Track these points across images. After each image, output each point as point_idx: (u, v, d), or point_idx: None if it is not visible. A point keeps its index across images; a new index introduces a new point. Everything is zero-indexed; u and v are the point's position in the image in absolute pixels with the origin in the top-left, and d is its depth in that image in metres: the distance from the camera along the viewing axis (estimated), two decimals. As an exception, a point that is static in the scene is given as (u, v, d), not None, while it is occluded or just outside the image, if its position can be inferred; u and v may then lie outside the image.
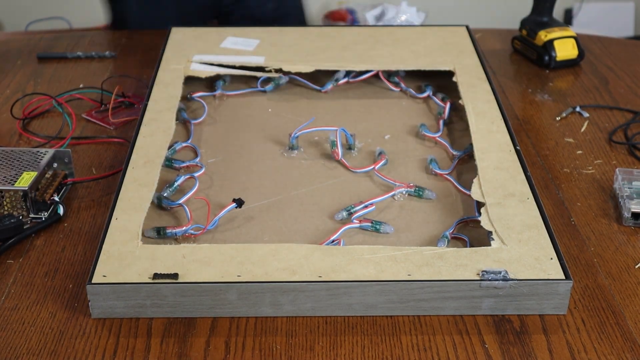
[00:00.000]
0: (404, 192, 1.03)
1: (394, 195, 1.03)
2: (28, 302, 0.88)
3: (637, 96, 1.33)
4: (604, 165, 1.14)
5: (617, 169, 1.07)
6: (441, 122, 1.19)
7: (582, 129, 1.23)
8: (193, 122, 1.19)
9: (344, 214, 0.99)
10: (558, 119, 1.26)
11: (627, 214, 1.00)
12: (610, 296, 0.90)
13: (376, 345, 0.83)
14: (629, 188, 1.03)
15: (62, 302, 0.88)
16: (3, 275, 0.92)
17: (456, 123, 1.21)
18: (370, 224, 0.97)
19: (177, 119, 1.17)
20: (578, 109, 1.28)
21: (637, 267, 0.94)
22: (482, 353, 0.82)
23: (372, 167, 1.08)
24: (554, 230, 1.00)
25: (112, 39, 1.55)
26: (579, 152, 1.17)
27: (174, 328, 0.85)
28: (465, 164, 1.10)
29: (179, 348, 0.82)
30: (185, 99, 1.24)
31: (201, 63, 1.29)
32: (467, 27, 1.43)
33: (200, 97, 1.26)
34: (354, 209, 0.99)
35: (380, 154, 1.11)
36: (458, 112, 1.22)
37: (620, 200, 1.04)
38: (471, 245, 0.94)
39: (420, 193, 1.03)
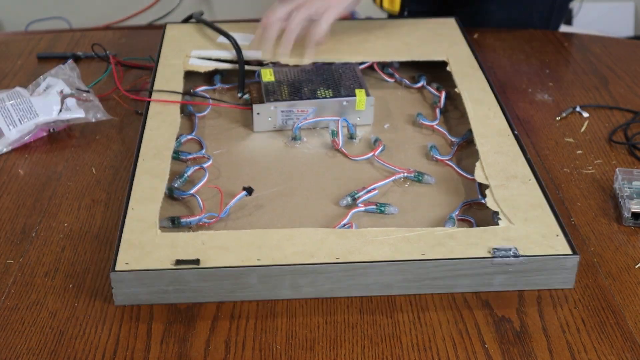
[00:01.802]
0: (404, 177, 1.06)
1: (394, 180, 1.05)
2: (28, 302, 0.88)
3: (637, 96, 1.33)
4: (604, 165, 1.14)
5: (617, 169, 1.07)
6: (437, 110, 1.21)
7: (582, 129, 1.23)
8: (198, 115, 1.21)
9: (349, 199, 1.01)
10: (558, 119, 1.26)
11: (627, 214, 1.00)
12: (610, 296, 0.90)
13: (376, 345, 0.83)
14: (629, 188, 1.03)
15: (62, 302, 0.88)
16: (3, 275, 0.92)
17: (451, 112, 1.23)
18: (375, 207, 0.99)
19: (182, 112, 1.19)
20: (578, 109, 1.28)
21: (637, 267, 0.94)
22: (482, 353, 0.82)
23: (371, 154, 1.11)
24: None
25: (112, 39, 1.55)
26: (579, 152, 1.17)
27: (174, 328, 0.85)
28: (463, 150, 1.13)
29: (179, 348, 0.82)
30: (189, 93, 1.25)
31: (199, 58, 1.30)
32: (456, 18, 1.45)
33: (203, 91, 1.27)
34: (358, 195, 1.02)
35: (376, 141, 1.13)
36: (452, 101, 1.24)
37: (620, 200, 1.04)
38: (477, 226, 0.96)
39: (420, 178, 1.05)
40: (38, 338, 0.83)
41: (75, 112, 1.18)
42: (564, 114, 1.27)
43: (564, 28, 3.21)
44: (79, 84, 1.24)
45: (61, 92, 1.19)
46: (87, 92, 1.22)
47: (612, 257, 0.96)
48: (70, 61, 1.29)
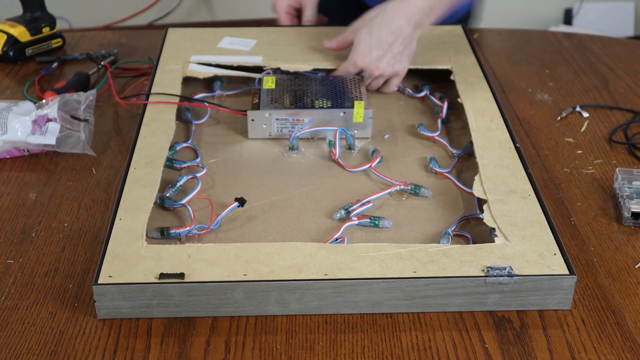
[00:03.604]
0: (400, 190, 1.04)
1: (390, 192, 1.04)
2: (28, 302, 0.88)
3: (637, 96, 1.33)
4: (604, 165, 1.14)
5: (617, 169, 1.07)
6: (439, 121, 1.19)
7: (582, 129, 1.23)
8: (195, 122, 1.19)
9: (342, 212, 0.99)
10: (558, 119, 1.26)
11: (627, 214, 1.00)
12: (610, 296, 0.90)
13: (376, 345, 0.83)
14: (629, 188, 1.03)
15: (62, 302, 0.88)
16: (3, 275, 0.92)
17: (454, 122, 1.21)
18: (369, 220, 0.97)
19: (180, 119, 1.18)
20: (578, 108, 1.28)
21: (637, 267, 0.94)
22: (482, 353, 0.82)
23: (367, 165, 1.09)
24: (554, 230, 1.00)
25: (112, 39, 1.55)
26: (579, 152, 1.17)
27: (174, 328, 0.84)
28: (464, 162, 1.11)
29: (179, 348, 0.82)
30: (187, 98, 1.24)
31: (199, 64, 1.29)
32: (462, 26, 1.43)
33: (202, 98, 1.26)
34: (352, 207, 1.00)
35: (374, 152, 1.12)
36: (455, 111, 1.22)
37: (620, 200, 1.04)
38: (474, 243, 0.94)
39: (417, 191, 1.03)
40: (38, 338, 0.83)
41: (46, 139, 1.13)
42: (564, 114, 1.27)
43: (563, 28, 3.22)
44: (81, 113, 1.19)
45: (45, 115, 1.15)
46: (86, 121, 1.18)
47: (612, 257, 0.96)
48: (94, 90, 1.24)
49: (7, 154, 1.15)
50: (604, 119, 1.26)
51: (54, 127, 1.14)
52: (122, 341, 0.83)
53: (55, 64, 1.42)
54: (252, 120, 1.15)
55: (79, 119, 1.18)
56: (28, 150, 1.15)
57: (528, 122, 1.25)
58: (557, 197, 1.07)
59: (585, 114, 1.27)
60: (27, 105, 1.18)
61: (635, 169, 1.09)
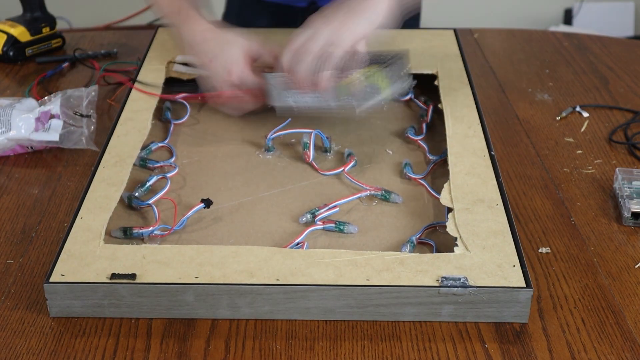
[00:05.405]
0: (370, 195, 1.02)
1: (360, 197, 1.02)
2: (28, 302, 0.88)
3: (637, 96, 1.33)
4: (604, 165, 1.14)
5: (617, 169, 1.07)
6: (424, 125, 1.18)
7: (582, 129, 1.24)
8: (175, 122, 1.19)
9: (308, 216, 0.98)
10: (558, 118, 1.27)
11: (627, 214, 1.00)
12: (610, 296, 0.90)
13: (376, 345, 0.83)
14: (629, 188, 1.03)
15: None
16: (3, 275, 0.92)
17: (440, 126, 1.18)
18: (334, 225, 0.96)
19: (161, 119, 1.18)
20: (578, 108, 1.29)
21: (637, 267, 0.94)
22: (482, 353, 0.82)
23: (341, 169, 1.07)
24: (553, 230, 1.00)
25: (112, 39, 1.55)
26: (579, 151, 1.17)
27: (174, 328, 0.84)
28: (442, 169, 1.08)
29: (179, 348, 0.82)
30: (170, 98, 1.23)
31: (182, 64, 1.29)
32: (454, 30, 1.40)
33: (183, 98, 1.24)
34: (318, 212, 0.99)
35: (349, 155, 1.10)
36: (442, 115, 1.19)
37: (620, 200, 1.04)
38: (438, 251, 0.92)
39: (387, 196, 1.02)
40: (38, 338, 0.83)
41: (49, 136, 1.14)
42: (564, 114, 1.27)
43: (563, 28, 3.23)
44: (83, 109, 1.19)
45: (48, 112, 1.15)
46: (88, 117, 1.18)
47: (612, 257, 0.96)
48: (96, 85, 1.25)
49: (11, 152, 1.15)
50: (604, 119, 1.26)
51: (57, 124, 1.15)
52: (122, 341, 0.83)
53: (66, 64, 1.42)
54: (270, 85, 1.11)
55: (81, 115, 1.18)
56: (32, 147, 1.15)
57: (528, 122, 1.25)
58: (557, 197, 1.07)
59: (585, 114, 1.27)
60: (30, 102, 1.18)
61: (635, 169, 1.09)
